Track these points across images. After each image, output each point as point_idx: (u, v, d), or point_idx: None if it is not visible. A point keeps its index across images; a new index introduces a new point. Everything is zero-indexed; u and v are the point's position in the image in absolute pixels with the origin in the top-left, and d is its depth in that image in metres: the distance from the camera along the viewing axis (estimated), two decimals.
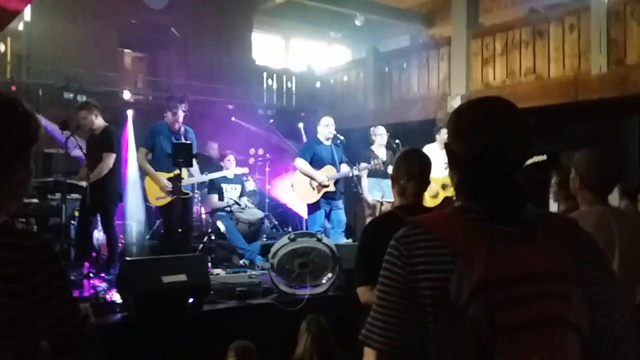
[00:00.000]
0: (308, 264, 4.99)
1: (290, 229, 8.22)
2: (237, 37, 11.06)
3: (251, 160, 9.22)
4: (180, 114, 6.14)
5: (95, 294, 4.57)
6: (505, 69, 8.42)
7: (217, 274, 5.98)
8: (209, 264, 5.67)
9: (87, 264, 5.32)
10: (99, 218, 6.08)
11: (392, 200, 6.58)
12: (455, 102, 8.66)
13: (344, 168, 6.57)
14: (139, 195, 7.30)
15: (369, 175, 6.96)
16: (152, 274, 4.17)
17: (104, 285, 5.02)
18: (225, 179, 7.31)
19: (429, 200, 6.82)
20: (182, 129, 6.18)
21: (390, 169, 6.52)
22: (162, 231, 6.91)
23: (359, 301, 2.79)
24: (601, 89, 7.16)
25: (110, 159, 5.86)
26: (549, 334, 1.13)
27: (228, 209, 7.24)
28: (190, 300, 4.34)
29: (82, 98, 7.50)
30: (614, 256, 2.35)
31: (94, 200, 5.63)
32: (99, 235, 6.23)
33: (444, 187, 7.14)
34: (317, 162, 6.48)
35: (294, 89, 11.74)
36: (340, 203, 6.66)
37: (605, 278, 1.27)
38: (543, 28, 7.97)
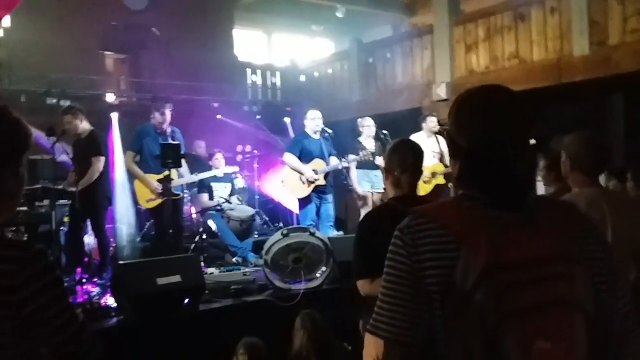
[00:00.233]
0: (302, 258, 4.99)
1: (281, 225, 8.20)
2: (218, 34, 10.99)
3: (239, 158, 9.18)
4: (169, 114, 6.11)
5: (90, 300, 4.55)
6: (489, 55, 8.43)
7: (211, 274, 5.95)
8: (202, 264, 5.65)
9: (79, 270, 5.27)
10: (89, 223, 6.04)
11: (382, 190, 6.67)
12: (441, 90, 8.68)
13: (334, 161, 6.55)
14: (128, 198, 7.24)
15: (357, 167, 6.93)
16: (146, 277, 4.17)
17: (97, 290, 5.01)
18: (215, 178, 7.27)
19: (421, 186, 6.82)
20: (169, 129, 6.14)
21: (378, 160, 6.59)
22: (153, 233, 6.87)
23: (356, 294, 2.79)
24: (584, 70, 7.19)
25: (100, 163, 5.82)
26: (555, 315, 1.15)
27: (219, 207, 7.22)
28: (186, 300, 4.34)
29: (65, 103, 7.43)
30: (607, 236, 2.37)
31: (83, 206, 5.60)
32: (89, 240, 6.21)
33: (433, 175, 7.16)
34: (306, 156, 6.47)
35: (278, 84, 11.69)
36: (330, 197, 6.66)
37: (606, 257, 1.29)
38: (525, 12, 7.98)
